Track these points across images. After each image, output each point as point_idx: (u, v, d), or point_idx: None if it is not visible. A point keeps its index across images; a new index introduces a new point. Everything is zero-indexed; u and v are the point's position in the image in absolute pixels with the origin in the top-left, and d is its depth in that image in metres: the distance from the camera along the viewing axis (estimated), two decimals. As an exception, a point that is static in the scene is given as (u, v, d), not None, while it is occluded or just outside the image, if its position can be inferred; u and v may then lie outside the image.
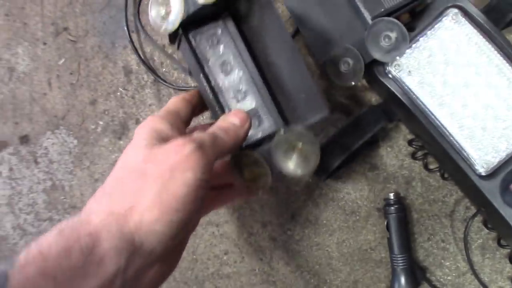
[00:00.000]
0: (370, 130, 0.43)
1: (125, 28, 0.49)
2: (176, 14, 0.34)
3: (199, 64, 0.37)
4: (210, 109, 0.38)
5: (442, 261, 0.46)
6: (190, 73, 0.40)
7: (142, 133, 0.32)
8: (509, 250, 0.46)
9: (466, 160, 0.41)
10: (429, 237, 0.46)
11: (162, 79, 0.49)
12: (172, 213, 0.28)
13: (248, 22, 0.38)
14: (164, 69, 0.50)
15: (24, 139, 0.51)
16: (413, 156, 0.46)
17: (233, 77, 0.38)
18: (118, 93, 0.50)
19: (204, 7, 0.34)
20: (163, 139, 0.32)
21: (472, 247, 0.46)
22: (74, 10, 0.51)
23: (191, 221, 0.30)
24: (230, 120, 0.34)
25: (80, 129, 0.50)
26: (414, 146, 0.46)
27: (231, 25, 0.37)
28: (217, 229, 0.48)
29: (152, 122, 0.33)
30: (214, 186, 0.37)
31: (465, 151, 0.42)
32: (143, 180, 0.29)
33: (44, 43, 0.51)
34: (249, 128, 0.35)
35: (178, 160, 0.29)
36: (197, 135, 0.32)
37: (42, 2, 0.51)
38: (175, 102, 0.37)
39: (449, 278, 0.46)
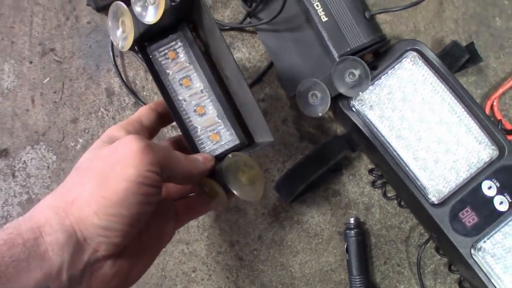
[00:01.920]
0: (332, 158, 0.45)
1: (110, 52, 0.50)
2: (127, 33, 0.34)
3: (158, 78, 0.37)
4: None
5: (397, 284, 0.47)
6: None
7: (97, 140, 0.32)
8: (459, 276, 0.47)
9: (420, 189, 0.43)
10: (385, 261, 0.47)
11: (142, 101, 0.49)
12: (111, 207, 0.27)
13: (203, 36, 0.38)
14: (145, 93, 0.50)
15: (3, 153, 0.50)
16: (373, 184, 0.47)
17: (193, 90, 0.37)
18: (99, 113, 0.50)
19: (155, 24, 0.33)
20: (112, 141, 0.31)
21: (425, 272, 0.47)
22: (62, 32, 0.52)
23: (137, 218, 0.28)
24: (194, 155, 0.34)
25: (60, 146, 0.50)
26: (373, 175, 0.47)
27: (189, 37, 0.36)
28: (187, 247, 0.48)
29: (109, 130, 0.33)
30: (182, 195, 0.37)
31: (419, 181, 0.43)
32: (86, 175, 0.29)
33: (30, 62, 0.51)
34: (212, 167, 0.34)
35: (122, 155, 0.28)
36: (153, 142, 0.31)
37: (31, 23, 0.51)
38: (139, 110, 0.36)
39: None
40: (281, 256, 0.48)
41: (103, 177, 0.27)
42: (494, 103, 0.48)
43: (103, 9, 0.49)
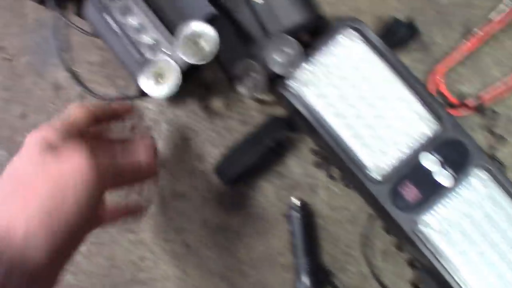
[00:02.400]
0: (270, 140, 0.43)
1: (56, 47, 0.50)
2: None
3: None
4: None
5: (346, 265, 0.46)
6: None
7: (31, 142, 0.30)
8: (409, 255, 0.45)
9: (361, 167, 0.42)
10: (333, 242, 0.45)
11: (89, 89, 0.49)
12: (61, 245, 0.26)
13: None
14: (91, 85, 0.50)
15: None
16: (317, 165, 0.46)
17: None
18: (48, 108, 0.50)
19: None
20: (53, 149, 0.30)
21: (375, 252, 0.45)
22: (10, 31, 0.52)
23: (77, 236, 0.28)
24: (138, 157, 0.33)
25: (9, 141, 0.50)
26: (317, 155, 0.46)
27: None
28: (134, 235, 0.48)
29: (46, 133, 0.31)
30: None
31: (360, 159, 0.42)
32: (30, 194, 0.27)
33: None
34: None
35: (72, 180, 0.27)
36: (97, 144, 0.30)
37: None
38: (73, 111, 0.34)
39: (352, 282, 0.45)
40: (227, 241, 0.47)
41: (54, 206, 0.26)
42: (439, 78, 0.47)
43: (43, 2, 0.49)
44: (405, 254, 0.46)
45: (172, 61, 0.42)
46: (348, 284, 0.46)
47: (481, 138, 0.47)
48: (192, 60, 0.42)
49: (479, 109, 0.46)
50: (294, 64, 0.43)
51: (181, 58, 0.42)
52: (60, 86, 0.52)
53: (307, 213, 0.46)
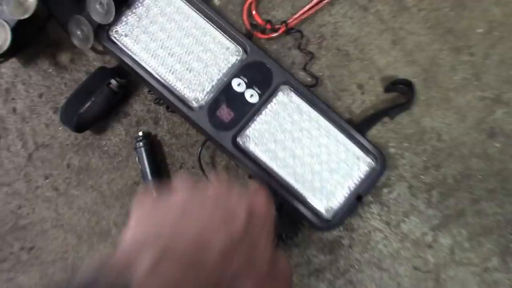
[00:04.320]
0: (100, 86, 0.54)
1: None
2: None
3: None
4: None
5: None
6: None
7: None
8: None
9: (181, 99, 0.53)
10: (181, 165, 0.58)
11: None
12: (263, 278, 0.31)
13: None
14: None
15: None
16: (154, 101, 0.57)
17: None
18: None
19: None
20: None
21: (218, 168, 0.58)
22: None
23: None
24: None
25: None
26: (151, 93, 0.57)
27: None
28: (9, 188, 0.59)
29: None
30: None
31: (179, 91, 0.53)
32: (217, 230, 0.30)
33: None
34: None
35: (261, 214, 0.32)
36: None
37: None
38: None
39: None
40: (90, 179, 0.59)
41: (254, 244, 0.30)
42: (252, 7, 0.57)
43: None
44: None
45: (1, 20, 0.52)
46: None
47: (296, 56, 0.59)
48: (19, 16, 0.52)
49: (287, 31, 0.58)
50: (109, 13, 0.53)
51: (9, 16, 0.52)
52: None
53: (149, 141, 0.57)
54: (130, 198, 0.57)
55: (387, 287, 0.58)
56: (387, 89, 0.56)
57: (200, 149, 0.55)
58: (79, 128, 0.54)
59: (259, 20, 0.56)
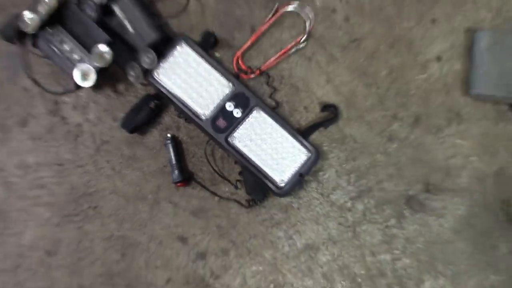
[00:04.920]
0: (144, 106, 0.95)
1: (22, 65, 1.00)
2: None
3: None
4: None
5: (201, 167, 0.98)
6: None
7: None
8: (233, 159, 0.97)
9: (196, 114, 0.92)
10: (193, 155, 0.98)
11: (45, 88, 0.99)
12: None
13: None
14: (46, 86, 1.01)
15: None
16: (177, 115, 0.98)
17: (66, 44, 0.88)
18: (21, 102, 1.01)
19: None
20: None
21: (215, 159, 0.99)
22: None
23: None
24: None
25: None
26: (176, 110, 0.98)
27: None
28: (82, 168, 0.99)
29: None
30: None
31: (194, 109, 0.93)
32: None
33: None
34: None
35: None
36: None
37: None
38: None
39: (208, 179, 0.98)
40: (135, 163, 0.99)
41: None
42: (238, 58, 0.98)
43: (11, 41, 0.98)
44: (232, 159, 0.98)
45: (90, 66, 0.93)
46: (204, 179, 1.00)
47: (266, 89, 1.00)
48: (101, 65, 0.94)
49: (260, 73, 0.99)
50: (153, 63, 0.95)
51: (95, 64, 0.93)
52: (26, 88, 1.02)
53: (175, 141, 0.98)
54: (161, 176, 0.98)
55: (321, 235, 0.97)
56: (322, 110, 0.96)
57: (205, 145, 0.96)
58: (132, 131, 0.94)
59: (243, 66, 0.96)
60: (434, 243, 0.94)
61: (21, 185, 0.94)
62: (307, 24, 0.93)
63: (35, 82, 0.93)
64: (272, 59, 0.93)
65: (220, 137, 0.89)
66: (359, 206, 0.95)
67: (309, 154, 0.88)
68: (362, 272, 0.94)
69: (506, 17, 0.96)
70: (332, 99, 0.95)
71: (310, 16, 0.92)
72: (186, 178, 0.92)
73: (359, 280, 0.93)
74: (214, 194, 0.92)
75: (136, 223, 0.93)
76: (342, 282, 0.93)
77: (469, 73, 0.94)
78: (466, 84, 0.95)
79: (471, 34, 0.96)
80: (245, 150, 0.89)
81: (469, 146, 0.96)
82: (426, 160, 0.95)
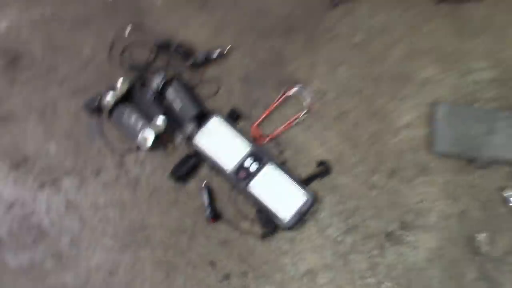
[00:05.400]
0: (187, 162, 1.35)
1: (99, 132, 1.44)
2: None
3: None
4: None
5: (228, 208, 1.36)
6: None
7: None
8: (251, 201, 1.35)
9: (224, 168, 1.31)
10: (221, 199, 1.37)
11: (113, 146, 1.42)
12: None
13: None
14: (115, 146, 1.43)
15: None
16: (211, 169, 1.39)
17: (132, 116, 1.31)
18: (98, 156, 1.43)
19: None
20: None
21: (237, 198, 1.37)
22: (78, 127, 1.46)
23: None
24: None
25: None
26: (210, 165, 1.38)
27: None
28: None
29: None
30: None
31: (223, 165, 1.32)
32: None
33: None
34: None
35: None
36: None
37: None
38: None
39: (232, 217, 1.36)
40: (184, 197, 1.39)
41: None
42: (256, 128, 1.35)
43: (92, 114, 1.43)
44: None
45: (149, 133, 1.34)
46: (229, 216, 1.37)
47: (275, 150, 1.39)
48: (156, 132, 1.35)
49: (271, 139, 1.39)
50: (194, 131, 1.36)
51: (152, 131, 1.35)
52: (100, 148, 1.44)
53: (208, 188, 1.36)
54: (197, 215, 1.35)
55: (319, 262, 1.29)
56: (318, 165, 1.32)
57: (230, 191, 1.34)
58: (177, 180, 1.34)
59: (258, 134, 1.37)
60: (411, 269, 1.22)
61: (92, 220, 1.32)
62: (306, 102, 1.33)
63: (107, 143, 1.34)
64: (280, 128, 1.32)
65: (241, 185, 1.25)
66: (348, 239, 1.25)
67: (308, 198, 1.24)
68: None
69: (461, 93, 1.32)
70: (325, 157, 1.30)
71: (309, 97, 1.32)
72: (216, 216, 1.27)
73: None
74: (236, 228, 1.28)
75: (178, 251, 1.26)
76: None
77: (432, 136, 1.30)
78: (430, 144, 1.30)
79: (433, 107, 1.31)
80: (259, 195, 1.24)
81: (435, 193, 1.26)
82: (401, 204, 1.26)
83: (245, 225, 1.27)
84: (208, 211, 1.25)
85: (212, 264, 1.24)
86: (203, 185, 1.28)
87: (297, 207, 1.21)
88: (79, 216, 1.29)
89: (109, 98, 1.24)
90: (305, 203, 1.22)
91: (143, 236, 1.28)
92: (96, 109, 1.27)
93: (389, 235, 1.26)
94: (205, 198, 1.26)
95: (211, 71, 1.36)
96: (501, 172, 1.26)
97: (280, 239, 1.26)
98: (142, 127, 1.24)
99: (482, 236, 1.24)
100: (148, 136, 1.23)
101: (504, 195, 1.26)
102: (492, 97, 1.34)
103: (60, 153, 1.34)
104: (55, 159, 1.34)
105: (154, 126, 1.24)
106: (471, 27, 1.40)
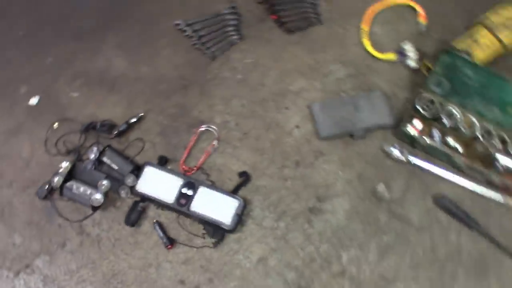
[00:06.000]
0: (137, 209, 1.70)
1: (55, 212, 1.75)
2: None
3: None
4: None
5: (180, 232, 1.70)
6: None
7: None
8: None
9: (167, 202, 1.67)
10: (172, 227, 1.70)
11: (68, 219, 1.73)
12: None
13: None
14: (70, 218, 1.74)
15: None
16: (157, 208, 1.73)
17: (82, 188, 1.64)
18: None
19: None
20: None
21: (186, 225, 1.71)
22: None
23: None
24: None
25: None
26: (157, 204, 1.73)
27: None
28: None
29: None
30: None
31: (165, 200, 1.69)
32: None
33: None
34: None
35: None
36: None
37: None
38: None
39: (185, 238, 1.70)
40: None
41: None
42: (182, 164, 1.77)
43: (45, 198, 1.74)
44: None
45: (99, 196, 1.67)
46: (183, 239, 1.70)
47: (203, 176, 1.76)
48: (103, 193, 1.69)
49: (198, 169, 1.76)
50: (134, 181, 1.71)
51: (100, 194, 1.68)
52: (60, 224, 1.74)
53: (159, 223, 1.69)
54: (157, 248, 1.68)
55: (265, 249, 1.65)
56: (240, 176, 1.68)
57: (177, 217, 1.69)
58: (132, 225, 1.67)
59: (186, 168, 1.74)
60: (337, 230, 1.55)
61: (70, 285, 1.57)
62: (215, 134, 1.74)
63: (65, 218, 1.64)
64: (201, 159, 1.70)
65: (184, 210, 1.59)
66: (282, 224, 1.59)
67: (240, 202, 1.61)
68: (300, 262, 1.54)
69: (328, 90, 1.77)
70: (243, 169, 1.67)
71: (215, 129, 1.74)
72: (172, 242, 1.58)
73: (301, 268, 1.51)
74: (192, 246, 1.61)
75: (150, 282, 1.50)
76: (289, 274, 1.50)
77: (316, 127, 1.75)
78: (317, 134, 1.75)
79: (310, 107, 1.73)
80: (201, 212, 1.59)
81: (334, 167, 1.65)
82: (312, 184, 1.64)
83: (198, 241, 1.57)
84: (164, 241, 1.56)
85: (182, 282, 1.53)
86: (154, 222, 1.59)
87: (234, 211, 1.55)
88: (58, 286, 1.55)
89: (57, 180, 1.56)
90: (238, 206, 1.55)
91: (118, 282, 1.53)
92: (48, 193, 1.59)
93: (311, 210, 1.60)
94: (159, 231, 1.56)
95: (133, 135, 1.72)
96: (376, 135, 1.68)
97: (229, 242, 1.56)
98: (91, 193, 1.57)
99: (381, 187, 1.62)
100: (98, 198, 1.56)
101: (386, 149, 1.65)
102: (351, 87, 1.78)
103: (26, 240, 1.60)
104: (22, 247, 1.59)
105: (100, 189, 1.58)
106: (318, 44, 1.87)
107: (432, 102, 1.62)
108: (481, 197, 1.57)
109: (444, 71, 1.66)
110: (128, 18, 2.02)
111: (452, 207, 1.54)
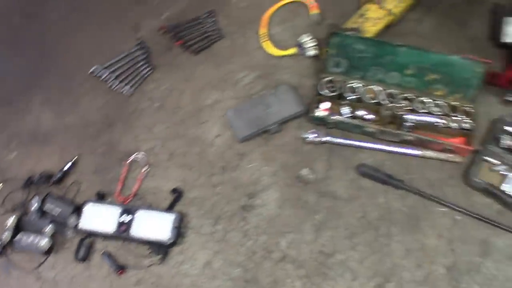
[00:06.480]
0: (84, 245, 1.87)
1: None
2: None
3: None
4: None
5: (127, 257, 1.86)
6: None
7: None
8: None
9: (109, 233, 1.85)
10: (121, 254, 1.87)
11: None
12: None
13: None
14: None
15: None
16: (103, 239, 1.90)
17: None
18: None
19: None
20: None
21: (132, 249, 1.88)
22: None
23: None
24: None
25: None
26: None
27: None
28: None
29: None
30: None
31: (107, 231, 1.86)
32: None
33: None
34: None
35: None
36: None
37: None
38: None
39: (134, 262, 1.86)
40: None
41: None
42: (118, 194, 1.94)
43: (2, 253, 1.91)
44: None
45: (46, 241, 1.84)
46: (132, 263, 1.86)
47: (139, 202, 1.93)
48: (50, 237, 1.86)
49: (133, 196, 1.95)
50: (77, 220, 1.87)
51: (47, 239, 1.85)
52: (18, 276, 1.91)
53: (108, 253, 1.85)
54: (109, 277, 1.84)
55: (208, 253, 1.77)
56: (172, 193, 1.83)
57: (121, 245, 1.85)
58: (83, 260, 1.82)
59: (122, 198, 1.89)
60: (272, 220, 1.68)
61: None
62: (144, 161, 1.90)
63: (22, 269, 1.78)
64: (136, 186, 1.85)
65: (126, 235, 1.74)
66: (219, 227, 1.71)
67: (176, 216, 1.74)
68: (243, 258, 1.65)
69: (241, 96, 1.92)
70: (175, 186, 1.81)
71: (143, 157, 1.88)
72: (122, 268, 1.70)
73: (244, 263, 1.63)
74: (142, 268, 1.76)
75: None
76: (234, 271, 1.63)
77: (234, 131, 1.92)
78: (235, 137, 1.91)
79: (225, 115, 1.88)
80: (142, 234, 1.74)
81: (258, 164, 1.78)
82: (240, 184, 1.76)
83: (145, 261, 1.71)
84: (114, 268, 1.72)
85: (138, 303, 1.67)
86: (102, 253, 1.74)
87: (171, 225, 1.68)
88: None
89: (6, 235, 1.72)
90: (175, 219, 1.69)
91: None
92: (2, 250, 1.75)
93: (244, 208, 1.73)
94: (108, 261, 1.71)
95: (70, 179, 1.87)
96: (290, 126, 1.83)
97: (174, 255, 1.70)
98: (39, 240, 1.74)
99: (304, 171, 1.73)
100: (45, 243, 1.73)
101: (301, 136, 1.78)
102: (261, 88, 1.94)
103: (-11, 299, 1.76)
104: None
105: (47, 234, 1.75)
106: (224, 57, 2.04)
107: (331, 82, 1.78)
108: (399, 156, 1.68)
109: (338, 51, 1.79)
110: (48, 75, 2.21)
111: (374, 172, 1.65)
